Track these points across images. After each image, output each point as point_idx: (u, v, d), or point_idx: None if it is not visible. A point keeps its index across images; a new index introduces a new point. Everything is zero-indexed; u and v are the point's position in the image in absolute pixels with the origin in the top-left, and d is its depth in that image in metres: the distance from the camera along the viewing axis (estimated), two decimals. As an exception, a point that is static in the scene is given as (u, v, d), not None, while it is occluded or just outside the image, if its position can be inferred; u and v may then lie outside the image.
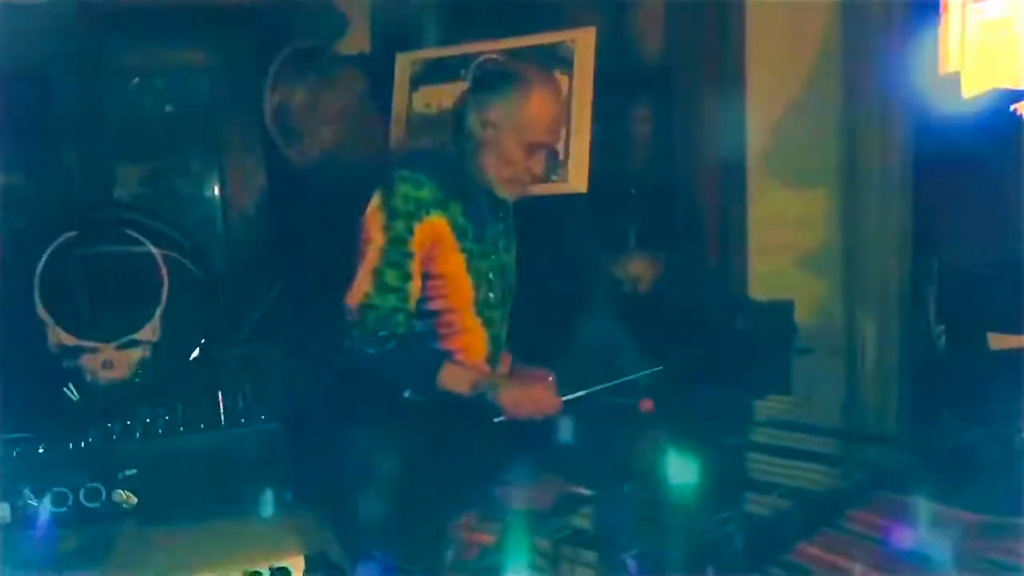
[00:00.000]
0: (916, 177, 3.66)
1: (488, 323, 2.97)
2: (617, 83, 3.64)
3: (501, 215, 3.01)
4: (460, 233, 2.87)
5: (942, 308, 3.77)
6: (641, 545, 2.06)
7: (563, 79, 3.54)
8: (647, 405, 3.00)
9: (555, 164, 3.46)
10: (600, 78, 3.54)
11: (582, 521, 2.27)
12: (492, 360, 3.01)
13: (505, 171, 2.86)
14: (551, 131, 2.92)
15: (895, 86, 3.58)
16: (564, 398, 2.84)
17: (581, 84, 3.56)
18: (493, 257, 2.97)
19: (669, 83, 3.75)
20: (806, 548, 2.14)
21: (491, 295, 2.97)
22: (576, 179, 3.56)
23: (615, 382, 2.94)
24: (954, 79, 3.63)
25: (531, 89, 2.82)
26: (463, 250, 2.88)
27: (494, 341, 2.99)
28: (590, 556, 2.12)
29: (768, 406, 3.39)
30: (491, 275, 2.97)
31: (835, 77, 3.65)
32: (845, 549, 2.14)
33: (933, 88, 3.67)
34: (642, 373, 2.99)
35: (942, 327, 3.78)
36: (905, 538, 2.20)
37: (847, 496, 2.36)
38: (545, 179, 3.19)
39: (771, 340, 3.76)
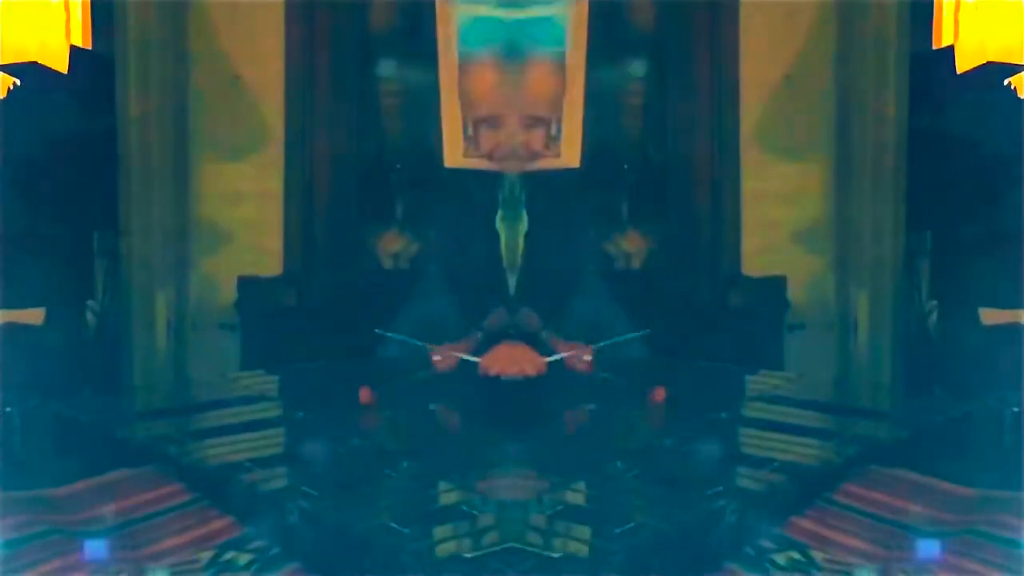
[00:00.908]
0: (910, 152, 3.64)
1: None
2: (610, 57, 3.60)
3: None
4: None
5: (935, 283, 3.77)
6: (633, 520, 2.06)
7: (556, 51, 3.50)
8: (660, 395, 3.00)
9: (548, 139, 3.44)
10: (592, 52, 3.50)
11: (576, 497, 2.27)
12: None
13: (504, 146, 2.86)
14: (548, 103, 2.89)
15: (889, 60, 3.57)
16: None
17: (574, 58, 3.53)
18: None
19: (662, 57, 3.71)
20: (799, 522, 2.15)
21: None
22: (568, 154, 3.53)
23: (602, 344, 2.95)
24: (948, 52, 3.65)
25: (528, 58, 2.81)
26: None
27: None
28: (583, 531, 2.12)
29: (760, 381, 3.40)
30: None
31: (829, 49, 3.63)
32: (839, 523, 2.15)
33: (928, 62, 3.69)
34: (630, 336, 2.99)
35: (934, 302, 3.78)
36: (898, 511, 2.21)
37: (840, 470, 2.36)
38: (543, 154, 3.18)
39: (764, 315, 3.76)
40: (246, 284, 3.74)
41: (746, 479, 2.30)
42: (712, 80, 3.71)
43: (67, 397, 3.16)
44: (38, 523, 2.29)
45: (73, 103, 3.50)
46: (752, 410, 2.86)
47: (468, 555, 1.99)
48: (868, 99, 3.59)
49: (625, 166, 3.73)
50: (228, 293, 3.74)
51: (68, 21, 3.49)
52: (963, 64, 3.65)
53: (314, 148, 3.77)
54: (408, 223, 3.73)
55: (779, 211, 3.76)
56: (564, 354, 2.92)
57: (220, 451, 2.69)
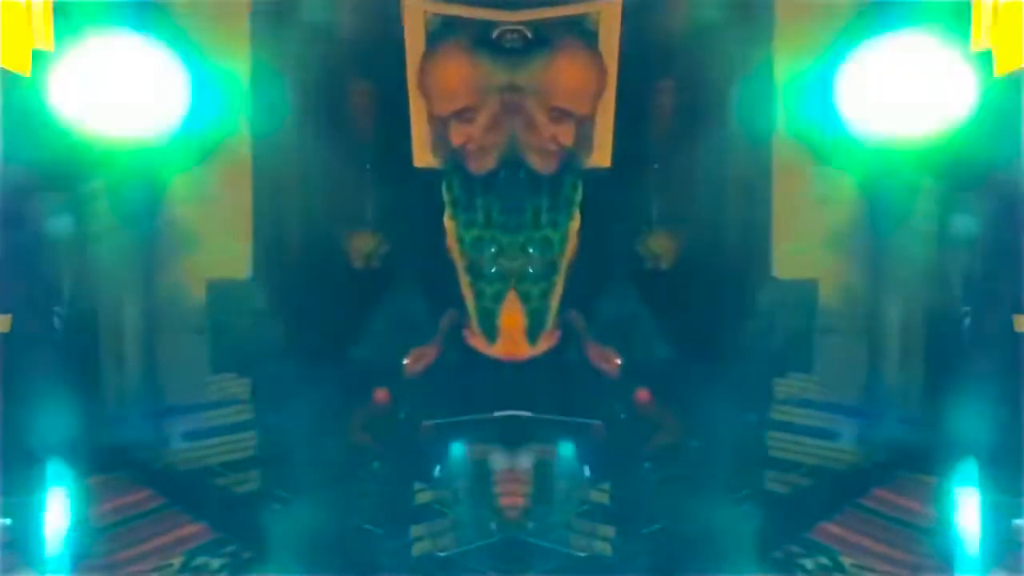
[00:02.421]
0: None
1: (491, 296, 2.98)
2: (642, 55, 3.57)
3: (546, 190, 3.00)
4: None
5: (968, 289, 3.71)
6: (659, 522, 2.04)
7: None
8: (643, 395, 2.99)
9: (590, 139, 3.41)
10: (625, 50, 3.47)
11: (601, 496, 2.25)
12: (530, 336, 3.01)
13: (531, 139, 2.85)
14: (577, 96, 2.88)
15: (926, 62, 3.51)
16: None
17: (606, 57, 3.50)
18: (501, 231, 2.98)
19: (695, 56, 3.68)
20: (828, 527, 2.12)
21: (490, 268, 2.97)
22: (599, 154, 3.50)
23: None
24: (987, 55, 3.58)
25: (558, 50, 2.80)
26: (452, 217, 2.89)
27: (531, 316, 2.99)
28: (608, 531, 2.10)
29: (789, 384, 3.36)
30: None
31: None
32: (868, 528, 2.12)
33: (967, 62, 3.62)
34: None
35: (967, 308, 3.72)
36: (927, 518, 2.17)
37: (870, 475, 2.33)
38: (580, 154, 3.14)
39: (794, 319, 3.72)
40: (215, 287, 3.72)
41: (774, 482, 2.27)
42: (746, 79, 3.67)
43: (34, 404, 3.11)
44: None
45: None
46: (780, 413, 2.82)
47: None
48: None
49: (655, 166, 3.70)
50: (197, 296, 3.70)
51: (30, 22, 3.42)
52: (1002, 66, 3.59)
53: (282, 148, 3.73)
54: (380, 223, 3.70)
55: (812, 213, 3.72)
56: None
57: (191, 455, 2.68)
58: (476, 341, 3.05)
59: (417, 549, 2.01)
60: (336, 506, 2.22)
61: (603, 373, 3.03)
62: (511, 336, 3.06)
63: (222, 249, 3.70)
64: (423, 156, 3.44)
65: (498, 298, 3.05)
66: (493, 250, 2.98)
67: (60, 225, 3.49)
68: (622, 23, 3.47)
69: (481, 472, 2.52)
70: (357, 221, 3.71)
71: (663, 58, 3.62)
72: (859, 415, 2.83)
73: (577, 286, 3.47)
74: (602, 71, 3.22)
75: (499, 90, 2.91)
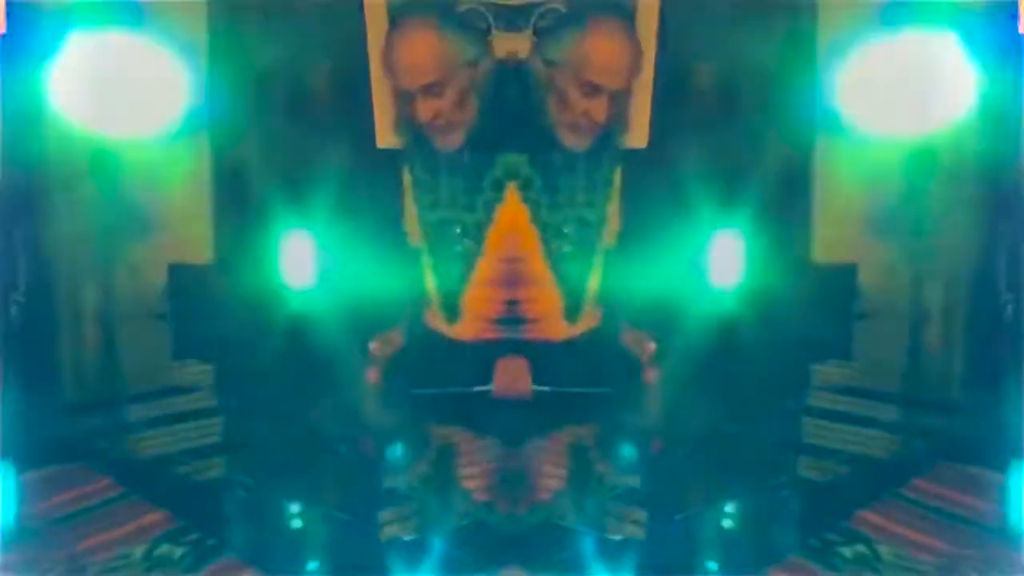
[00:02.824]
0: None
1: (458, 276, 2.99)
2: (681, 34, 3.52)
3: (584, 167, 2.97)
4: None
5: (1010, 274, 3.63)
6: (693, 508, 2.01)
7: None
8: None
9: (626, 116, 3.35)
10: (663, 28, 3.42)
11: (634, 480, 2.23)
12: (570, 315, 2.99)
13: (564, 115, 2.83)
14: (610, 71, 2.85)
15: (975, 42, 3.43)
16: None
17: (645, 35, 3.45)
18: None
19: (736, 35, 3.62)
20: (866, 515, 2.08)
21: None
22: (636, 134, 3.46)
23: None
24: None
25: (590, 24, 2.78)
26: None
27: (570, 295, 2.97)
28: (639, 515, 2.08)
29: (828, 371, 3.31)
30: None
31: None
32: (907, 518, 2.08)
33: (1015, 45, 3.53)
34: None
35: (1011, 295, 3.64)
36: (969, 508, 2.13)
37: (909, 464, 2.28)
38: (613, 131, 3.09)
39: (833, 303, 3.66)
40: (176, 272, 3.66)
41: (811, 469, 2.23)
42: (788, 60, 3.60)
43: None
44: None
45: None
46: (819, 400, 2.78)
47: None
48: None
49: (693, 148, 3.65)
50: (158, 281, 3.64)
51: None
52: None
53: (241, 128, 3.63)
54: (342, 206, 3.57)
55: (853, 196, 3.66)
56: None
57: (152, 443, 2.66)
58: (437, 323, 3.01)
59: (385, 534, 1.99)
60: (301, 492, 2.19)
61: (637, 357, 2.99)
62: (475, 318, 3.00)
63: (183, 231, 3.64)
64: (386, 137, 3.37)
65: (461, 279, 3.01)
66: (457, 231, 2.96)
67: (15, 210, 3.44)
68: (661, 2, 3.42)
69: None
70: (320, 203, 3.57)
71: (703, 39, 3.56)
72: (898, 402, 2.78)
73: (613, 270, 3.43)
74: (637, 48, 3.17)
75: (468, 65, 2.89)
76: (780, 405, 2.77)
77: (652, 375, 2.99)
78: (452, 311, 3.01)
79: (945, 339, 3.54)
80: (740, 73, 3.62)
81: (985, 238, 3.56)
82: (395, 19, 3.18)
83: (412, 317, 3.07)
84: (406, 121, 3.07)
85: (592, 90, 2.83)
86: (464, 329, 3.01)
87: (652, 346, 2.99)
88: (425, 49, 2.91)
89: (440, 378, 2.91)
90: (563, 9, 3.11)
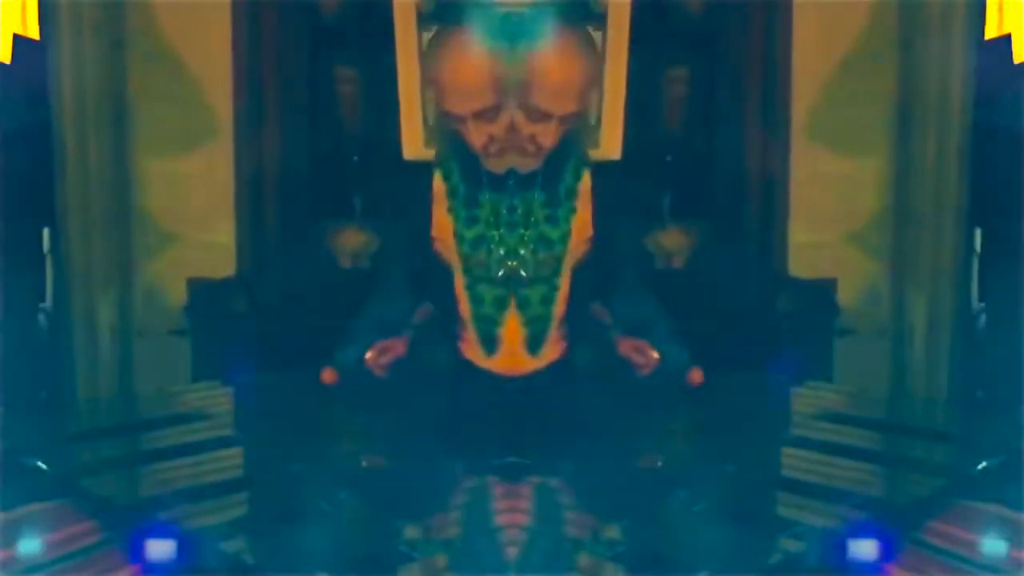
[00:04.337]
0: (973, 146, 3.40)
1: (493, 303, 2.73)
2: (654, 41, 3.35)
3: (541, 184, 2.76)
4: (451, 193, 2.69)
5: (985, 285, 3.53)
6: (706, 566, 1.83)
7: (595, 36, 3.25)
8: (696, 377, 2.79)
9: (580, 135, 3.16)
10: (636, 35, 3.25)
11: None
12: (531, 347, 2.76)
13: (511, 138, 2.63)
14: (559, 96, 2.64)
15: (951, 49, 3.32)
16: None
17: (615, 42, 3.27)
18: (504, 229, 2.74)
19: (709, 41, 3.46)
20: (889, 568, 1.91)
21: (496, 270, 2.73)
22: (609, 145, 3.28)
23: None
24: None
25: (548, 47, 2.59)
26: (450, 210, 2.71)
27: (531, 325, 2.74)
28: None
29: (811, 395, 3.17)
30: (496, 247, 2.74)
31: (891, 34, 3.38)
32: (924, 567, 1.91)
33: (987, 51, 3.43)
34: None
35: (982, 304, 3.54)
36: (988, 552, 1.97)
37: (926, 504, 2.12)
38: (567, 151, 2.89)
39: (812, 320, 3.53)
40: (196, 286, 3.51)
41: (822, 515, 2.05)
42: (762, 66, 3.46)
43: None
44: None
45: (19, 95, 3.22)
46: (813, 431, 2.62)
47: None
48: (932, 88, 3.34)
49: (668, 158, 3.48)
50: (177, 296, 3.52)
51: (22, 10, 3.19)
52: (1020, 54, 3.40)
53: (265, 140, 3.52)
54: (368, 219, 3.48)
55: (831, 208, 3.52)
56: None
57: (140, 482, 2.38)
58: (473, 354, 2.79)
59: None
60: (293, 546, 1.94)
61: (637, 368, 2.75)
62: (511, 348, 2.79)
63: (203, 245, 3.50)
64: (413, 148, 3.23)
65: (501, 304, 2.79)
66: (502, 251, 2.73)
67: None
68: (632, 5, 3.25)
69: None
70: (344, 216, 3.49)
71: (677, 44, 3.40)
72: (905, 433, 2.64)
73: (584, 287, 3.25)
74: (594, 60, 2.96)
75: (517, 86, 2.65)
76: (775, 436, 2.60)
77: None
78: (491, 342, 2.76)
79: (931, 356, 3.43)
80: (715, 80, 3.46)
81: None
82: (428, 25, 2.97)
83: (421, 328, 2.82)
84: (453, 141, 2.81)
85: (540, 116, 2.62)
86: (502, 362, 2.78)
87: (655, 354, 2.76)
88: (475, 71, 2.66)
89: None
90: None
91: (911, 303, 3.47)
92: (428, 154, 3.19)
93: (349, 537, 1.99)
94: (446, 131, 2.78)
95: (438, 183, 2.83)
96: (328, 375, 2.81)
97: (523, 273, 2.77)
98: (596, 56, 3.01)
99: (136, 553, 1.93)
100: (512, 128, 2.64)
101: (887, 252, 3.50)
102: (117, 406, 3.35)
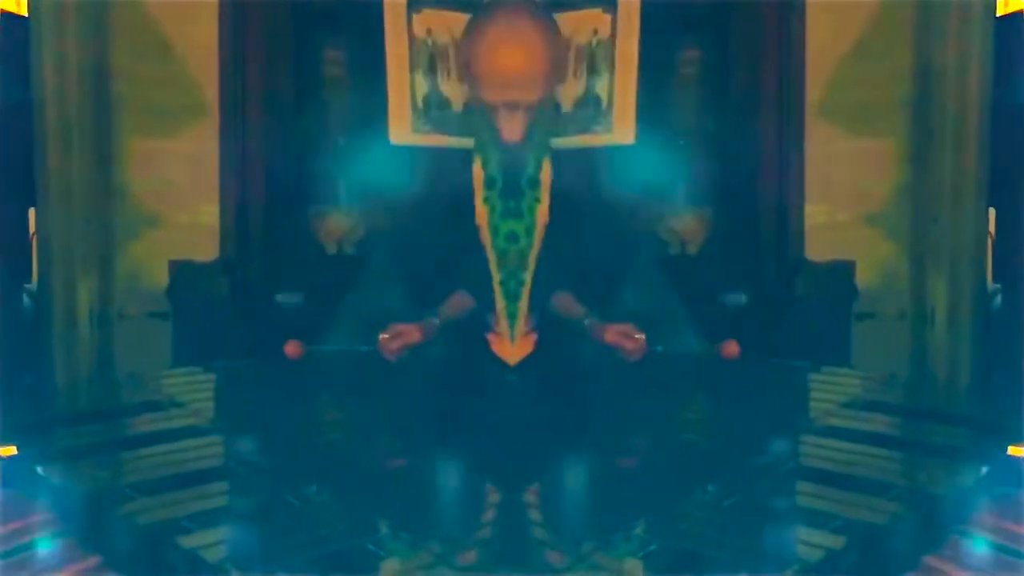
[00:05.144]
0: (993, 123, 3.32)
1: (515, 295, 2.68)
2: (666, 23, 3.26)
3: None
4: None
5: (996, 264, 3.46)
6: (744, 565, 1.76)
7: (606, 18, 3.16)
8: (731, 349, 2.72)
9: (597, 113, 3.08)
10: (647, 17, 3.16)
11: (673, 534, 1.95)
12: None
13: None
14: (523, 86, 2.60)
15: (967, 27, 3.24)
16: None
17: (626, 24, 3.18)
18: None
19: (722, 23, 3.38)
20: (936, 563, 1.85)
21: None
22: (621, 129, 3.20)
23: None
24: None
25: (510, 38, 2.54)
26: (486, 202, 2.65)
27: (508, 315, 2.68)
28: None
29: (834, 380, 3.11)
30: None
31: (906, 12, 3.29)
32: (979, 562, 1.85)
33: (1004, 28, 3.35)
34: None
35: (998, 285, 3.47)
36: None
37: (970, 495, 2.06)
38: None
39: (830, 304, 3.46)
40: (179, 269, 3.44)
41: (863, 509, 1.99)
42: (776, 46, 3.38)
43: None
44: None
45: (7, 72, 3.15)
46: (843, 419, 2.55)
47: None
48: (949, 67, 3.26)
49: (681, 142, 3.40)
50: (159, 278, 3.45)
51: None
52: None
53: (250, 122, 3.44)
54: (354, 204, 3.41)
55: (847, 190, 3.45)
56: None
57: (100, 473, 2.28)
58: (501, 347, 2.72)
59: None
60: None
61: (625, 354, 2.70)
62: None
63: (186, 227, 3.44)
64: (400, 133, 3.12)
65: (518, 298, 2.72)
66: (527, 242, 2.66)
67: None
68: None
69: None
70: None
71: (689, 26, 3.32)
72: (947, 420, 2.56)
73: (598, 273, 3.18)
74: (558, 47, 2.87)
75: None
76: (807, 424, 2.53)
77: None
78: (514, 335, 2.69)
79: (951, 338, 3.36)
80: (729, 62, 3.38)
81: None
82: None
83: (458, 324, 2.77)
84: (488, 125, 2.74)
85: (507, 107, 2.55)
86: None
87: (640, 337, 2.70)
88: (509, 60, 2.61)
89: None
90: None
91: (931, 284, 3.39)
92: (415, 139, 3.12)
93: (318, 534, 1.90)
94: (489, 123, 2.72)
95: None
96: (292, 348, 2.77)
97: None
98: (560, 43, 2.93)
99: (94, 546, 1.86)
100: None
101: (905, 233, 3.43)
102: (96, 391, 3.24)
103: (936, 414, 2.79)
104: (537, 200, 2.75)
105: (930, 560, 1.86)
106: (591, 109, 2.93)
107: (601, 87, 3.09)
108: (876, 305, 3.45)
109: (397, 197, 3.19)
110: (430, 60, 3.02)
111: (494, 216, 2.68)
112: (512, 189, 2.68)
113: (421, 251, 2.94)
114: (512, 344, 2.76)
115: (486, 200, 2.70)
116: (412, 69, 3.11)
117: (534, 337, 2.77)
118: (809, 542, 1.86)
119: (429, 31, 3.09)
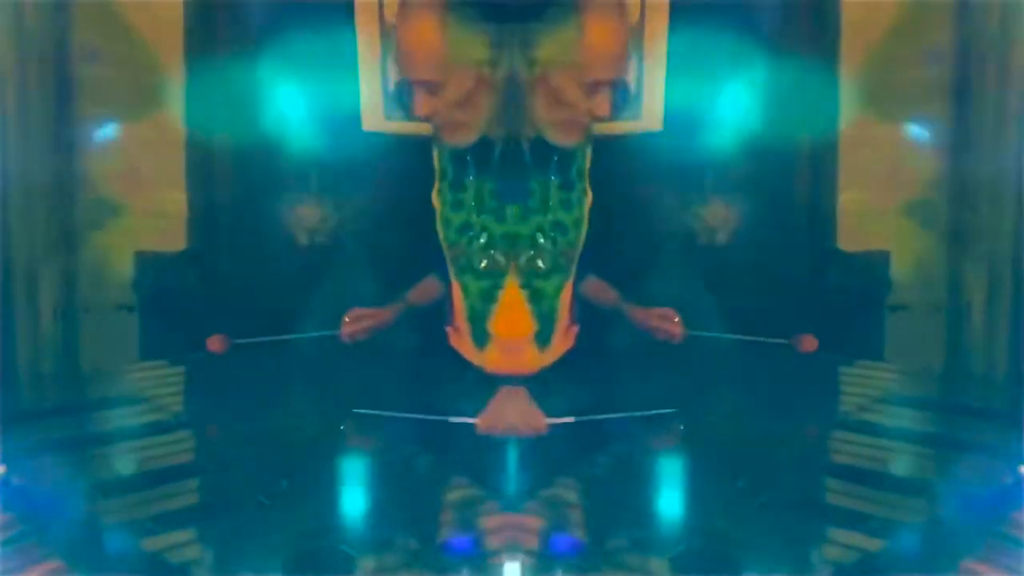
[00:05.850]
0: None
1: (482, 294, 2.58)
2: (695, 7, 3.19)
3: (557, 165, 2.61)
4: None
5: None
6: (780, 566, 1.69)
7: (634, 3, 3.10)
8: (810, 343, 2.64)
9: (626, 100, 3.01)
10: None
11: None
12: (541, 340, 2.61)
13: (560, 113, 2.51)
14: (614, 64, 2.59)
15: (1010, 6, 3.13)
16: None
17: (655, 9, 3.14)
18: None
19: (753, 5, 3.29)
20: (974, 565, 1.78)
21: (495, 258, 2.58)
22: (650, 116, 3.15)
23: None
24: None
25: (588, 17, 2.46)
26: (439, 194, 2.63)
27: (540, 316, 2.59)
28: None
29: (869, 375, 3.04)
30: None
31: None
32: (1019, 564, 1.77)
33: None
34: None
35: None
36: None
37: (1008, 493, 1.98)
38: (612, 118, 2.82)
39: (863, 296, 3.37)
40: (144, 260, 3.34)
41: (898, 509, 1.92)
42: (809, 30, 3.29)
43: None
44: None
45: None
46: (877, 415, 2.49)
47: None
48: (989, 49, 3.16)
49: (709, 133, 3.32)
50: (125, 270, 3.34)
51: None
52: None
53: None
54: (327, 193, 3.33)
55: (882, 177, 3.35)
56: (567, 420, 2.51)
57: (63, 472, 2.22)
58: (462, 345, 2.65)
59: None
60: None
61: (665, 338, 2.71)
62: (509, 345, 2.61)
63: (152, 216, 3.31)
64: (373, 119, 3.12)
65: (490, 297, 2.61)
66: (482, 240, 2.58)
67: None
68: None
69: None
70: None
71: (720, 8, 3.23)
72: (947, 411, 2.50)
73: (625, 264, 3.13)
74: (626, 26, 2.86)
75: (477, 64, 2.53)
76: (843, 418, 2.47)
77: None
78: (482, 336, 2.60)
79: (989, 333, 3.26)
80: (760, 47, 3.29)
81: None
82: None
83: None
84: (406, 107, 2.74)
85: (596, 87, 2.57)
86: (492, 359, 2.61)
87: (678, 319, 2.71)
88: (423, 42, 2.57)
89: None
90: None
91: (968, 276, 3.29)
92: (388, 126, 3.04)
93: (287, 534, 1.85)
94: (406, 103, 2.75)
95: None
96: (215, 343, 2.71)
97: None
98: (629, 21, 2.90)
99: (55, 548, 1.80)
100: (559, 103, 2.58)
101: (942, 222, 3.33)
102: (60, 386, 3.19)
103: (973, 410, 2.72)
104: None
105: (968, 563, 1.78)
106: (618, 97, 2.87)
107: (630, 73, 3.04)
108: (911, 297, 3.35)
109: (367, 185, 3.19)
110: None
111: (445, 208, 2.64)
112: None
113: (394, 241, 2.97)
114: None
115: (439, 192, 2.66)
116: (384, 55, 3.06)
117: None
118: (841, 542, 1.80)
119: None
